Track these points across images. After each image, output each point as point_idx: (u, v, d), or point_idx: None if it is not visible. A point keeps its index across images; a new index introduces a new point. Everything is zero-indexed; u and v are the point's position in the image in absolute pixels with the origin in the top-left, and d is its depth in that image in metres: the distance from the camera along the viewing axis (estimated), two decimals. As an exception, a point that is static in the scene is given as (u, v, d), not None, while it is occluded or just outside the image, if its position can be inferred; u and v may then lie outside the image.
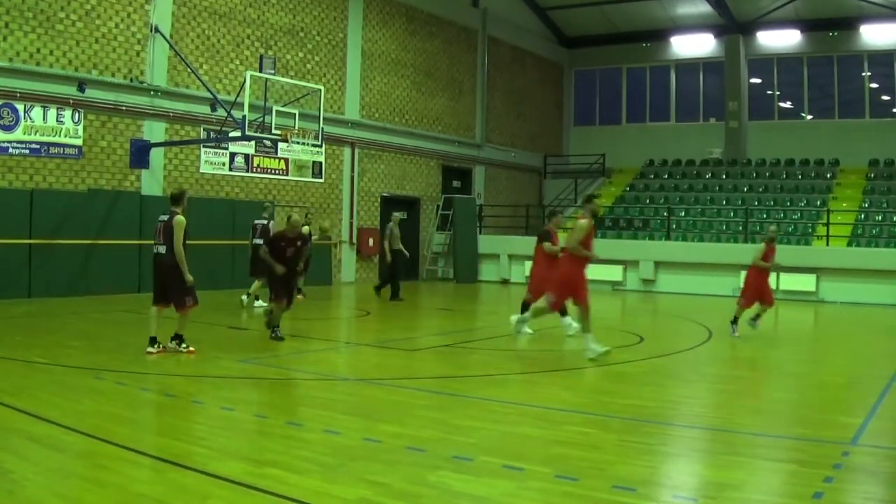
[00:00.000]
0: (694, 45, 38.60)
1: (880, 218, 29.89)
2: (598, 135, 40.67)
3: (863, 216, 30.18)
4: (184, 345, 12.45)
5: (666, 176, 37.26)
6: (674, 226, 31.50)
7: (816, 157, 35.15)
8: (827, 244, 27.86)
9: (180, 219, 12.24)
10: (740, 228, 30.21)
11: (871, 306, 25.02)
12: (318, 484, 6.22)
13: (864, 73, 35.95)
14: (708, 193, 34.52)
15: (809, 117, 37.07)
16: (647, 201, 34.99)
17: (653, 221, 32.87)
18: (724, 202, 33.35)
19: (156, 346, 12.19)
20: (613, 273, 29.19)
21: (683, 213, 32.96)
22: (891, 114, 35.46)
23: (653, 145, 38.73)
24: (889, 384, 11.25)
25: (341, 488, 6.11)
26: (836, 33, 35.46)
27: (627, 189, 36.88)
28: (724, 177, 35.91)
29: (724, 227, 31.32)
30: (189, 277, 12.16)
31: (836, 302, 25.84)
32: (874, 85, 35.94)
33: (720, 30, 37.37)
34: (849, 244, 28.17)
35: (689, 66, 39.32)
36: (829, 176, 34.14)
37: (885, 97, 35.77)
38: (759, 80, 38.00)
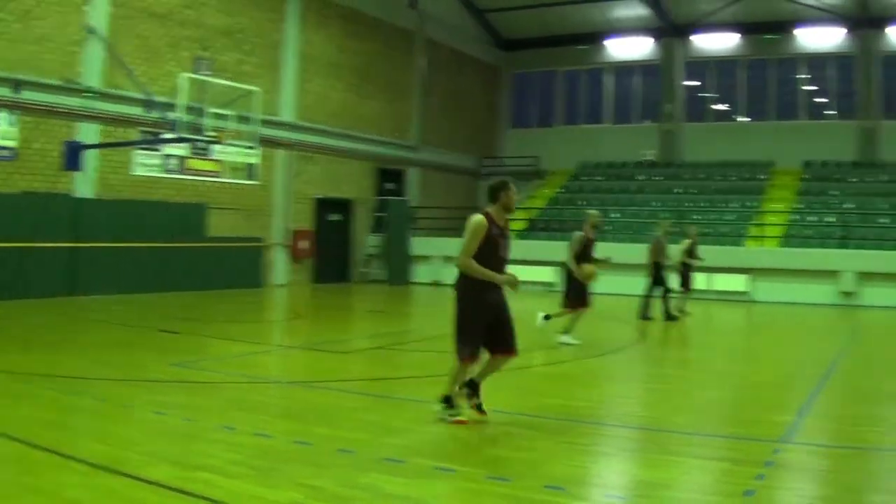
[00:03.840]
0: (631, 48, 39.08)
1: (813, 219, 30.41)
2: (534, 137, 40.91)
3: (796, 217, 30.66)
4: (449, 411, 8.65)
5: (601, 178, 37.55)
6: (608, 227, 31.76)
7: (751, 159, 35.73)
8: (760, 245, 28.29)
9: (475, 219, 8.56)
10: (675, 230, 30.50)
11: (803, 306, 25.50)
12: (249, 487, 6.23)
13: (799, 76, 36.72)
14: (642, 195, 34.83)
15: (745, 119, 37.69)
16: (582, 203, 35.18)
17: (587, 223, 32.94)
18: (659, 204, 33.65)
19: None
20: (546, 275, 29.31)
21: (618, 215, 33.19)
22: (825, 116, 36.29)
23: (588, 147, 38.98)
24: (820, 383, 11.56)
25: (273, 492, 6.13)
26: (772, 36, 36.15)
27: (562, 191, 37.09)
28: (658, 178, 36.33)
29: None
30: (467, 322, 8.54)
31: (767, 302, 26.22)
32: (809, 87, 36.74)
33: (658, 32, 37.89)
34: (782, 245, 28.63)
35: (625, 69, 39.79)
36: (762, 177, 34.69)
37: (820, 99, 36.61)
38: (695, 83, 38.55)
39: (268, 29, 28.27)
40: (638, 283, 28.32)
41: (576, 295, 15.07)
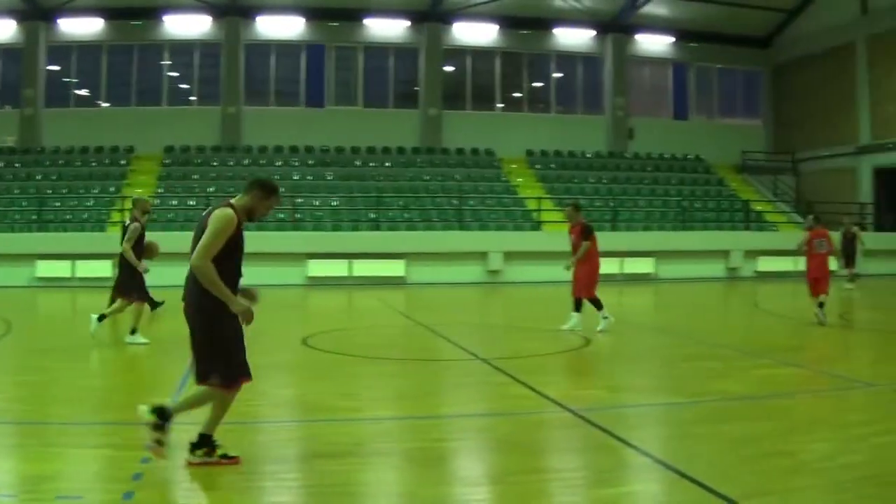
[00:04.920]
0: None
1: (175, 202, 31.41)
2: None
3: (158, 201, 31.34)
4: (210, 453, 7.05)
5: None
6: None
7: (112, 145, 35.81)
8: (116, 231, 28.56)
9: (225, 214, 7.00)
10: (34, 217, 29.93)
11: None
12: None
13: (163, 62, 37.72)
14: (3, 182, 33.49)
15: (106, 105, 37.71)
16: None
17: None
18: (19, 191, 32.57)
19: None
20: None
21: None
22: (187, 101, 37.80)
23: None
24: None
25: None
26: (137, 22, 36.82)
27: None
28: (18, 165, 35.10)
29: (18, 216, 30.66)
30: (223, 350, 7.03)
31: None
32: (173, 74, 37.94)
33: (22, 15, 36.38)
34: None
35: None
36: (123, 163, 35.05)
37: (183, 85, 38.03)
38: (57, 67, 37.76)
39: None
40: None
41: (135, 287, 14.31)
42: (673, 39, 42.20)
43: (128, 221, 14.83)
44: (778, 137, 44.33)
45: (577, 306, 16.19)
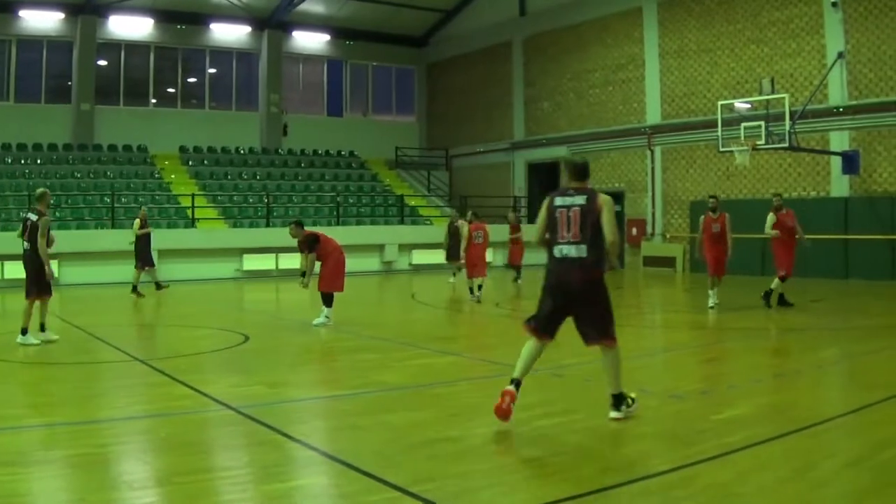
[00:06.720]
0: None
1: None
2: None
3: None
4: (631, 406, 8.85)
5: None
6: None
7: None
8: None
9: (609, 198, 8.66)
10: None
11: None
12: None
13: None
14: None
15: None
16: None
17: None
18: None
19: None
20: None
21: None
22: None
23: None
24: None
25: None
26: None
27: None
28: None
29: None
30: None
31: None
32: None
33: None
34: None
35: None
36: None
37: None
38: None
39: None
40: None
41: (42, 284, 14.23)
42: (329, 37, 44.39)
43: (34, 217, 14.41)
44: (432, 134, 47.69)
45: (327, 301, 16.90)
